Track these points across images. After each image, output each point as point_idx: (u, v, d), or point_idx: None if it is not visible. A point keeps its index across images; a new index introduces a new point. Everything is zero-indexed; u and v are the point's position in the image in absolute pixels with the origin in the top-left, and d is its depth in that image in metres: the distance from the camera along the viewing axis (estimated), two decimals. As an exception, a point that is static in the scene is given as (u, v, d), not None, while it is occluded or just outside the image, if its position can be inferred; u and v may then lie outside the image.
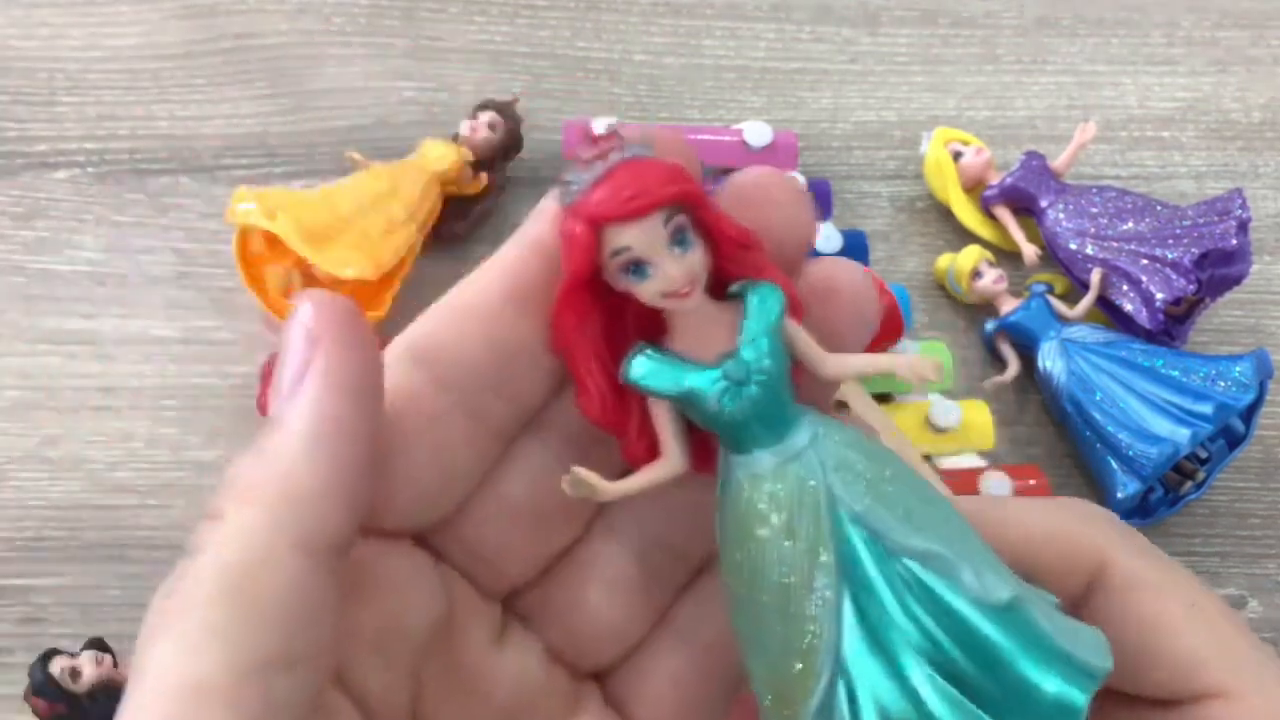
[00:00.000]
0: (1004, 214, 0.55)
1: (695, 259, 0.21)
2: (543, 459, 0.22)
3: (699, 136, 0.56)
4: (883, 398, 0.49)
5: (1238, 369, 0.47)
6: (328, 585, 0.19)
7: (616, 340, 0.22)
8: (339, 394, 0.19)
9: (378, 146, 0.55)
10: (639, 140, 0.21)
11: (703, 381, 0.21)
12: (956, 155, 0.55)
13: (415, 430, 0.21)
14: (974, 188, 0.56)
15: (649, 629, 0.25)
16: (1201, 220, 0.50)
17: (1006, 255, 0.54)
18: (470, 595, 0.23)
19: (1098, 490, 0.48)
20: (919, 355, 0.22)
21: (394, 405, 0.21)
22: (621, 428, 0.22)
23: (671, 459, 0.22)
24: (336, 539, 0.19)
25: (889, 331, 0.48)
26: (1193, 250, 0.49)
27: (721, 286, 0.22)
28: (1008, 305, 0.52)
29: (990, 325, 0.52)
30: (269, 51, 0.59)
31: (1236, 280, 0.50)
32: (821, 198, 0.54)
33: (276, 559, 0.19)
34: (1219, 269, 0.50)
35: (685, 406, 0.22)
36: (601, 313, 0.22)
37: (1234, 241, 0.49)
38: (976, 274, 0.52)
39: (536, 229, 0.22)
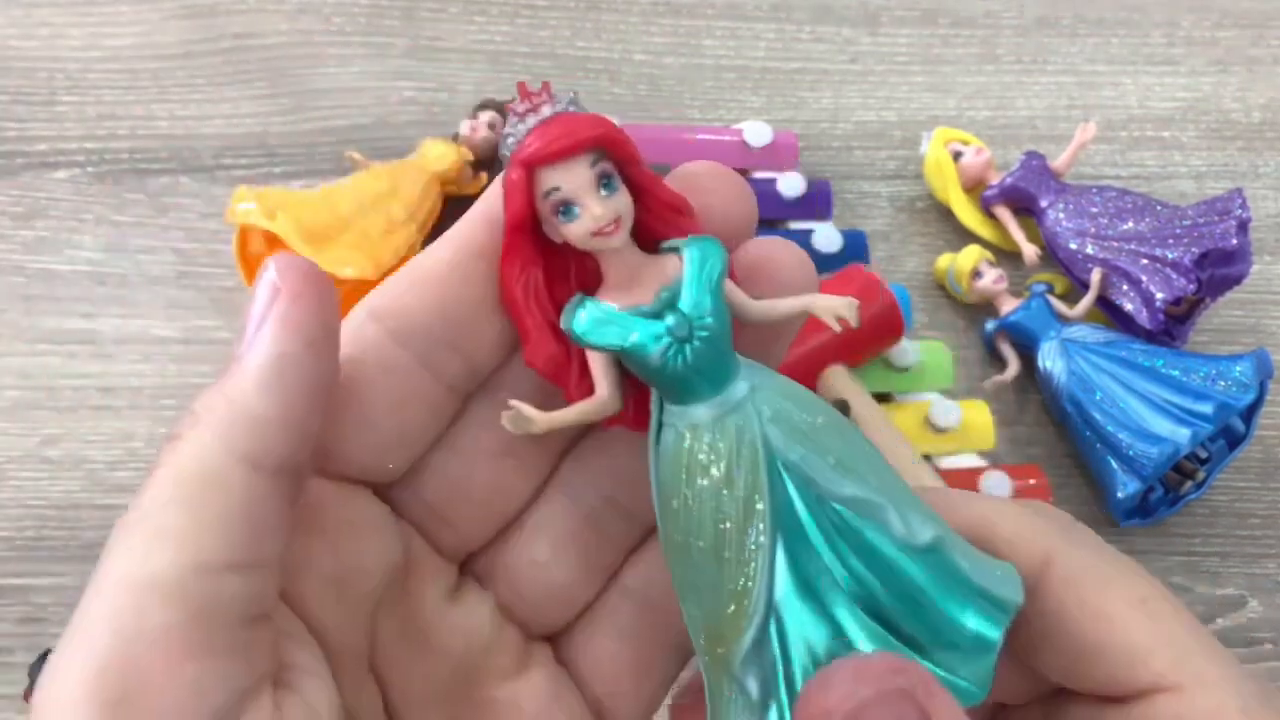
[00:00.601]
0: (1004, 214, 0.55)
1: (620, 202, 0.22)
2: (497, 420, 0.23)
3: (699, 136, 0.56)
4: (883, 397, 0.49)
5: (1238, 369, 0.47)
6: (275, 502, 0.21)
7: (560, 295, 0.23)
8: (293, 335, 0.21)
9: (377, 146, 0.55)
10: (570, 99, 0.23)
11: (646, 337, 0.22)
12: (957, 155, 0.55)
13: (372, 378, 0.23)
14: (974, 188, 0.56)
15: (598, 589, 0.26)
16: (1202, 220, 0.50)
17: (1006, 255, 0.54)
18: (426, 551, 0.25)
19: (1098, 490, 0.48)
20: (837, 297, 0.23)
21: (351, 355, 0.23)
22: (564, 378, 0.23)
23: (603, 396, 0.23)
24: (285, 461, 0.21)
25: (889, 331, 0.48)
26: (1193, 250, 0.49)
27: (651, 240, 0.23)
28: (1008, 305, 0.52)
29: (990, 325, 0.52)
30: (269, 51, 0.59)
31: (1236, 280, 0.50)
32: (822, 197, 0.54)
33: (226, 472, 0.20)
34: (1219, 269, 0.49)
35: (626, 360, 0.23)
36: (544, 267, 0.23)
37: (1234, 241, 0.49)
38: (977, 274, 0.52)
39: (486, 204, 0.23)
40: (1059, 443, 0.51)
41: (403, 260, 0.50)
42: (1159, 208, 0.51)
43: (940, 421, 0.48)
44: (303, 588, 0.22)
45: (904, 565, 0.22)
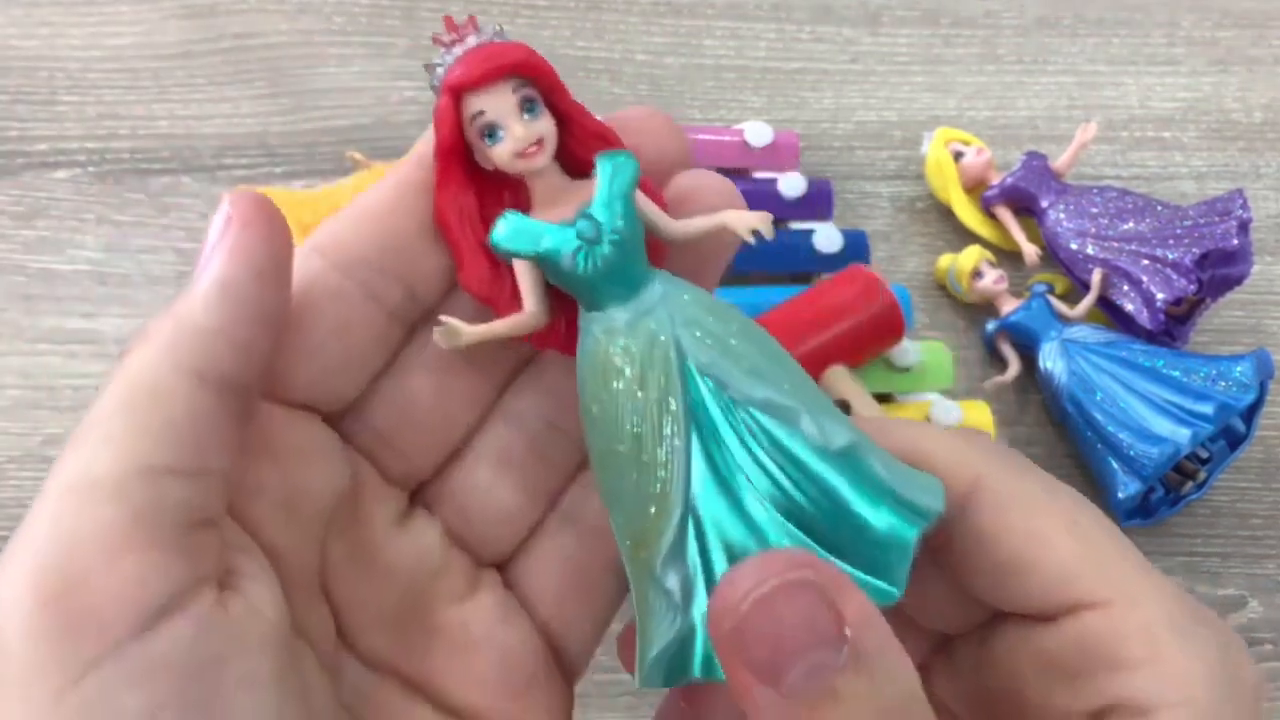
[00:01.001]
0: (1005, 214, 0.55)
1: (542, 125, 0.24)
2: (440, 351, 0.24)
3: (700, 136, 0.56)
4: (883, 398, 0.49)
5: (1238, 369, 0.47)
6: (220, 415, 0.21)
7: (493, 219, 0.24)
8: (241, 260, 0.22)
9: (378, 146, 0.55)
10: (495, 30, 0.24)
11: (559, 241, 0.23)
12: (957, 155, 0.55)
13: (316, 305, 0.24)
14: (975, 188, 0.56)
15: (542, 513, 0.27)
16: (1202, 220, 0.50)
17: (1007, 255, 0.54)
18: (375, 478, 0.25)
19: (1098, 490, 0.48)
20: (751, 212, 0.25)
21: (298, 287, 0.24)
22: (496, 299, 0.24)
23: (530, 310, 0.24)
24: (229, 377, 0.21)
25: (890, 331, 0.48)
26: (1193, 250, 0.49)
27: (580, 171, 0.24)
28: (1008, 305, 0.52)
29: (991, 325, 0.52)
30: (269, 51, 0.59)
31: (1237, 280, 0.50)
32: (822, 197, 0.54)
33: (170, 382, 0.21)
34: (1220, 269, 0.49)
35: (545, 267, 0.24)
36: (477, 192, 0.24)
37: (1235, 242, 0.49)
38: (977, 274, 0.52)
39: (423, 144, 0.24)
40: (1059, 443, 0.51)
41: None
42: (1160, 208, 0.51)
43: (941, 422, 0.48)
44: (253, 509, 0.23)
45: (817, 468, 0.22)
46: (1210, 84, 0.62)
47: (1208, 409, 0.46)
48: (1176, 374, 0.47)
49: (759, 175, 0.55)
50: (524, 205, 0.25)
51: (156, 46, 0.58)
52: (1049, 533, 0.23)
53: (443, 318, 0.24)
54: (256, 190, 0.23)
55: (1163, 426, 0.46)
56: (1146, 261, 0.50)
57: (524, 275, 0.24)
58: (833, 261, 0.52)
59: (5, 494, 0.47)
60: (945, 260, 0.54)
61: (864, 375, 0.48)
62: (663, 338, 0.23)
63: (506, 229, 0.24)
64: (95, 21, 0.59)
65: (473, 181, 0.24)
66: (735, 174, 0.56)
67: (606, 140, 0.24)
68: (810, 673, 0.19)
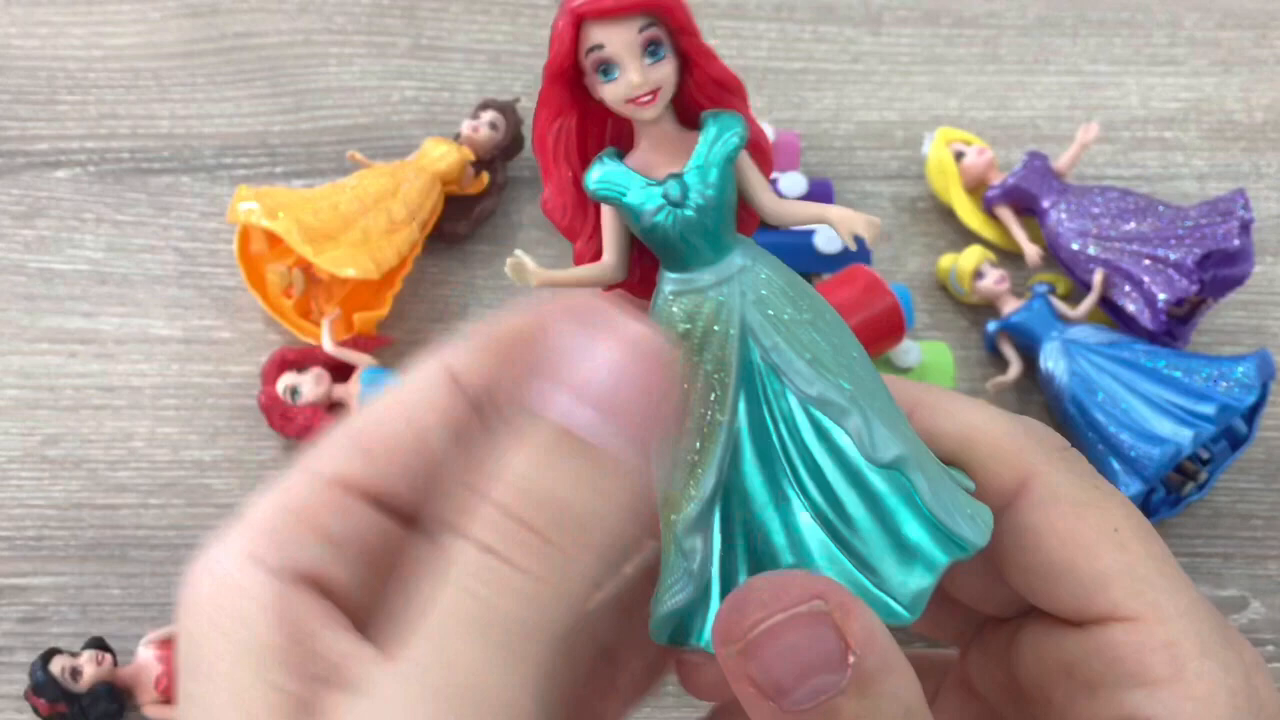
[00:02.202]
0: (1006, 214, 0.54)
1: (662, 72, 0.22)
2: None
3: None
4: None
5: (1240, 370, 0.46)
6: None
7: (591, 149, 0.23)
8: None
9: (379, 146, 0.55)
10: None
11: (644, 198, 0.22)
12: (959, 155, 0.55)
13: None
14: (976, 188, 0.56)
15: None
16: (1204, 221, 0.50)
17: (1008, 256, 0.54)
18: None
19: (1100, 491, 0.48)
20: (854, 211, 0.23)
21: None
22: (575, 230, 0.24)
23: (608, 262, 0.23)
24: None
25: (891, 331, 0.48)
26: (1195, 251, 0.49)
27: (694, 117, 0.23)
28: (1010, 306, 0.52)
29: (992, 326, 0.52)
30: (270, 51, 0.59)
31: (1239, 281, 0.50)
32: (824, 197, 0.54)
33: None
34: (1221, 270, 0.49)
35: (628, 217, 0.23)
36: (579, 117, 0.23)
37: (1236, 242, 0.48)
38: (978, 274, 0.52)
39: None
40: (1061, 443, 0.51)
41: (404, 260, 0.50)
42: (1161, 208, 0.51)
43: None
44: None
45: (862, 473, 0.22)
46: (1212, 84, 0.62)
47: (1209, 410, 0.45)
48: (1178, 374, 0.47)
49: (760, 175, 0.55)
50: (627, 142, 0.23)
51: (157, 46, 0.58)
52: (1088, 539, 0.23)
53: (517, 253, 0.23)
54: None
55: (1164, 427, 0.46)
56: (1148, 262, 0.50)
57: (609, 222, 0.23)
58: (834, 262, 0.52)
59: (6, 494, 0.47)
60: (947, 260, 0.54)
61: (865, 375, 0.48)
62: (730, 310, 0.22)
63: (600, 172, 0.23)
64: (96, 21, 0.59)
65: (577, 104, 0.23)
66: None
67: (727, 90, 0.23)
68: (813, 693, 0.19)
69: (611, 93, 0.22)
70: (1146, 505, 0.48)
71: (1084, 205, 0.52)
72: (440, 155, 0.52)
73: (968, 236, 0.55)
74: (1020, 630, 0.25)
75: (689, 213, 0.22)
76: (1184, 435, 0.45)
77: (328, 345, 0.47)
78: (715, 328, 0.22)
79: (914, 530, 0.22)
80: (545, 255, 0.54)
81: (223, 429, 0.48)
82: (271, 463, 0.48)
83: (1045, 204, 0.53)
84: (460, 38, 0.60)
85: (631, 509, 0.19)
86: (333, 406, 0.46)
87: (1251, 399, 0.46)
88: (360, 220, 0.48)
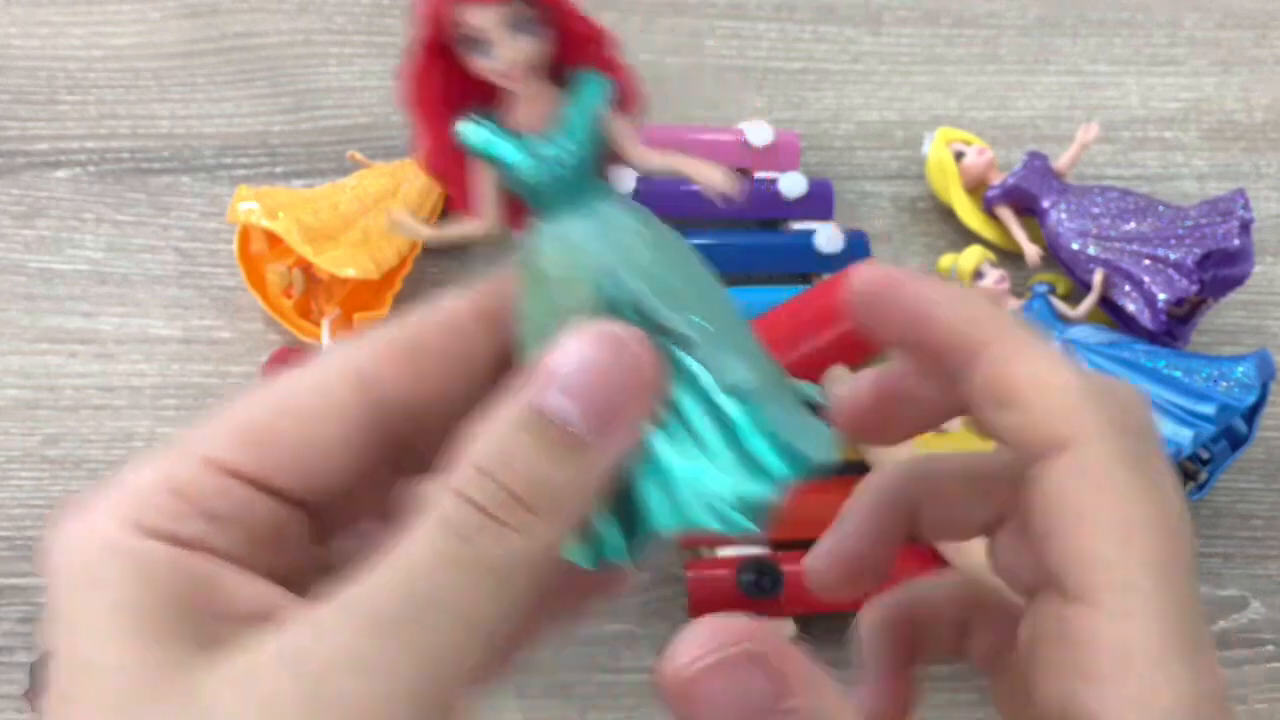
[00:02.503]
0: (1006, 214, 0.54)
1: (531, 48, 0.24)
2: None
3: (701, 136, 0.56)
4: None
5: (1240, 370, 0.46)
6: None
7: (462, 104, 0.25)
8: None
9: (379, 146, 0.55)
10: None
11: (519, 154, 0.24)
12: (959, 155, 0.55)
13: None
14: (976, 188, 0.56)
15: None
16: (1204, 221, 0.50)
17: (1008, 256, 0.54)
18: None
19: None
20: (711, 165, 0.25)
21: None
22: (451, 179, 0.25)
23: (485, 218, 0.25)
24: None
25: None
26: (1195, 251, 0.49)
27: (564, 73, 0.25)
28: (1010, 306, 0.52)
29: (992, 326, 0.52)
30: (270, 51, 0.59)
31: (1239, 281, 0.50)
32: (823, 198, 0.54)
33: None
34: (1221, 270, 0.49)
35: (501, 171, 0.25)
36: (450, 76, 0.25)
37: (1236, 242, 0.48)
38: (978, 274, 0.52)
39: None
40: (1061, 444, 0.51)
41: (404, 260, 0.50)
42: (1161, 208, 0.51)
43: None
44: None
45: (713, 398, 0.23)
46: (1212, 84, 0.62)
47: (1209, 409, 0.46)
48: (1178, 374, 0.47)
49: (760, 175, 0.55)
50: (498, 95, 0.25)
51: (157, 46, 0.58)
52: (1096, 517, 0.22)
53: (395, 211, 0.24)
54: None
55: (1164, 427, 0.46)
56: (1148, 262, 0.50)
57: (482, 178, 0.25)
58: (833, 262, 0.52)
59: (6, 494, 0.47)
60: (947, 261, 0.54)
61: (865, 376, 0.48)
62: (594, 253, 0.24)
63: (476, 131, 0.25)
64: (96, 21, 0.59)
65: (449, 67, 0.24)
66: (736, 174, 0.56)
67: (597, 45, 0.25)
68: None
69: (484, 66, 0.24)
70: (1146, 505, 0.48)
71: (1084, 205, 0.52)
72: (440, 155, 0.52)
73: (968, 236, 0.55)
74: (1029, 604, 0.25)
75: (560, 168, 0.24)
76: (1184, 435, 0.45)
77: (328, 346, 0.47)
78: (582, 271, 0.24)
79: (761, 450, 0.23)
80: (545, 255, 0.54)
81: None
82: (271, 463, 0.48)
83: (1045, 204, 0.53)
84: (460, 38, 0.60)
85: (596, 488, 0.22)
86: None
87: (1251, 399, 0.46)
88: (360, 220, 0.49)
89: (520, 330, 0.24)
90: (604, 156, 0.25)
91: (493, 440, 0.21)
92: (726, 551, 0.44)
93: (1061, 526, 0.22)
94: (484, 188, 0.25)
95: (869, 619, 0.28)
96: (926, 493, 0.27)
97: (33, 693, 0.41)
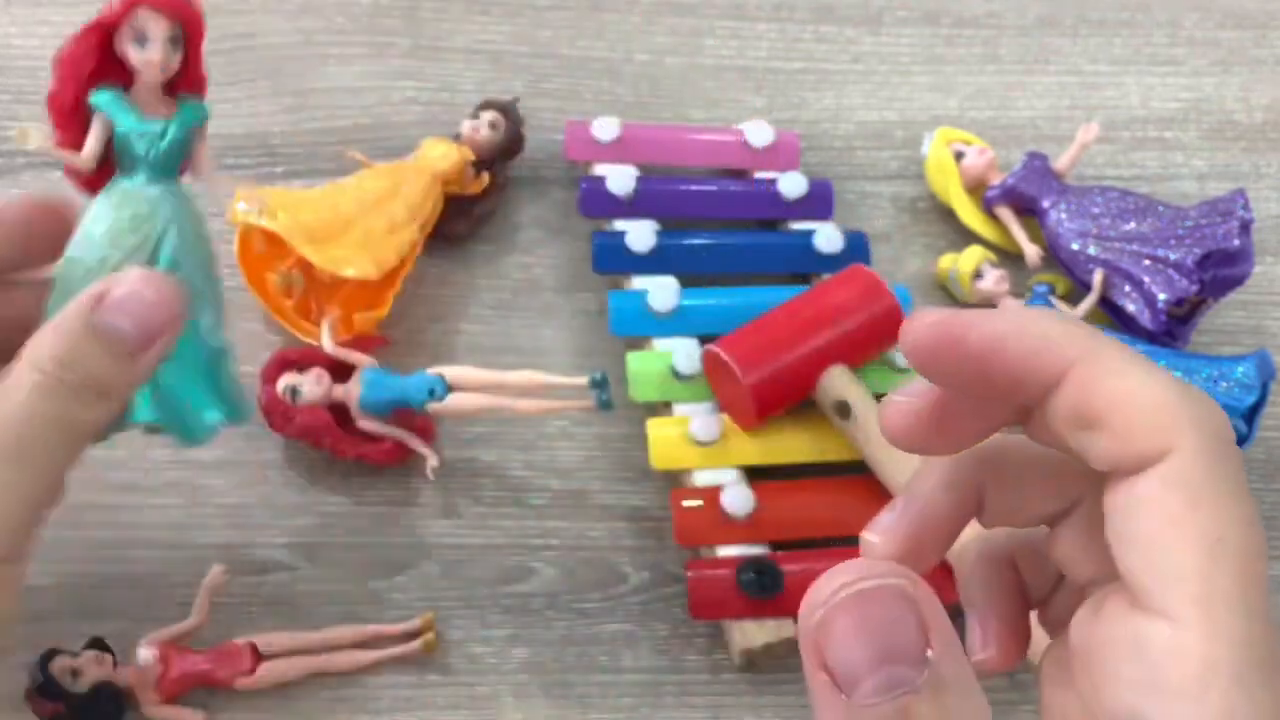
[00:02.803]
0: (1006, 214, 0.55)
1: (173, 59, 0.36)
2: None
3: (701, 137, 0.56)
4: (883, 398, 0.49)
5: (1240, 370, 0.47)
6: None
7: (99, 75, 0.35)
8: None
9: (379, 146, 0.55)
10: None
11: (136, 126, 0.36)
12: (959, 155, 0.55)
13: None
14: (976, 188, 0.56)
15: None
16: (1204, 221, 0.50)
17: (1008, 256, 0.54)
18: None
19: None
20: (222, 175, 0.40)
21: None
22: (70, 127, 0.36)
23: (89, 154, 0.36)
24: None
25: (890, 332, 0.48)
26: (1195, 251, 0.49)
27: (173, 90, 0.37)
28: (1008, 306, 0.52)
29: (992, 326, 0.52)
30: (270, 51, 0.59)
31: (1239, 281, 0.50)
32: (823, 198, 0.54)
33: None
34: (1221, 270, 0.49)
35: (116, 134, 0.36)
36: (100, 53, 0.35)
37: (1236, 242, 0.49)
38: (978, 274, 0.52)
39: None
40: (1061, 443, 0.51)
41: (405, 260, 0.50)
42: (1161, 209, 0.51)
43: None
44: None
45: (205, 342, 0.37)
46: (1212, 84, 0.62)
47: (1209, 410, 0.46)
48: (1178, 374, 0.47)
49: (760, 175, 0.55)
50: (127, 83, 0.36)
51: (157, 46, 0.58)
52: (1185, 532, 0.21)
53: (23, 125, 0.35)
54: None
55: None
56: (1148, 262, 0.50)
57: (97, 127, 0.35)
58: (833, 262, 0.52)
59: (6, 494, 0.47)
60: (946, 261, 0.54)
61: (865, 375, 0.48)
62: (155, 218, 0.36)
63: (110, 97, 0.36)
64: (96, 21, 0.59)
65: (103, 45, 0.35)
66: (736, 174, 0.56)
67: (200, 87, 0.38)
68: (886, 686, 0.19)
69: (138, 56, 0.35)
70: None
71: (1084, 205, 0.52)
72: (440, 155, 0.52)
73: (968, 237, 0.55)
74: (1087, 597, 0.24)
75: (154, 145, 0.36)
76: (1184, 435, 0.45)
77: (328, 346, 0.47)
78: (142, 225, 0.35)
79: (226, 390, 0.38)
80: (545, 255, 0.54)
81: (223, 429, 0.48)
82: (273, 463, 0.48)
83: (1045, 204, 0.53)
84: (460, 38, 0.60)
85: (140, 383, 0.34)
86: (333, 407, 0.46)
87: (1251, 399, 0.46)
88: (361, 220, 0.49)
89: (68, 252, 0.35)
90: (183, 158, 0.37)
91: (68, 338, 0.32)
92: (727, 551, 0.44)
93: (1147, 536, 0.22)
94: (96, 136, 0.36)
95: (974, 561, 0.27)
96: (996, 478, 0.26)
97: (34, 692, 0.41)
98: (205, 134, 0.38)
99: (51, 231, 0.36)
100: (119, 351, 0.33)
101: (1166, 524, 0.22)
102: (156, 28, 0.34)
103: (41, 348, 0.32)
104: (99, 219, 0.35)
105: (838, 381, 0.46)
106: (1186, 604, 0.21)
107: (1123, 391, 0.22)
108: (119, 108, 0.35)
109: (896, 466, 0.44)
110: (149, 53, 0.35)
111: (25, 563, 0.35)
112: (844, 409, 0.45)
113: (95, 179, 0.36)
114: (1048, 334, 0.23)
